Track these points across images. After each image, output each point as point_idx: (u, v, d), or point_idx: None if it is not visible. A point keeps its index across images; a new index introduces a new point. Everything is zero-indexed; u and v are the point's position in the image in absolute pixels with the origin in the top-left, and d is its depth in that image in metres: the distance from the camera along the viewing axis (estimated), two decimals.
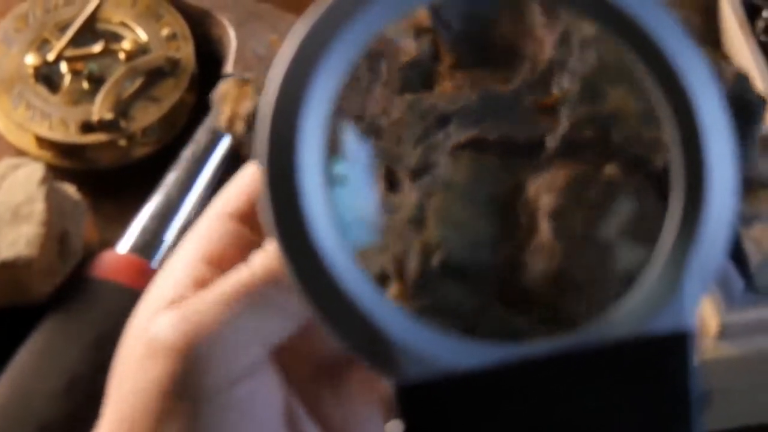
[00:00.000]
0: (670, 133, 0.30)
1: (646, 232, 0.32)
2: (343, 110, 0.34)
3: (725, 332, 0.49)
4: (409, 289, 0.35)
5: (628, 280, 0.30)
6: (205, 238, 0.33)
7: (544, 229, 0.34)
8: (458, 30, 0.36)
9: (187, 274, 0.33)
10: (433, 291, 0.36)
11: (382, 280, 0.33)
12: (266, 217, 0.28)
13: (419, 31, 0.36)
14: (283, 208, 0.28)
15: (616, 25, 0.30)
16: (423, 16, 0.36)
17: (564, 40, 0.34)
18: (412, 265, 0.34)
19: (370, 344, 0.28)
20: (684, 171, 0.30)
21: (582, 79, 0.34)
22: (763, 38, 0.58)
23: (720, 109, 0.30)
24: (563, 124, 0.34)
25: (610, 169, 0.35)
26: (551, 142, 0.34)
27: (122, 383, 0.33)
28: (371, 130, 0.34)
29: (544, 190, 0.34)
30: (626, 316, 0.29)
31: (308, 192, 0.28)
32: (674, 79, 0.30)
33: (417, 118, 0.34)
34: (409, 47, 0.35)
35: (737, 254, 0.51)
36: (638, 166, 0.34)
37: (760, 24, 0.59)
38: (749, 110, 0.38)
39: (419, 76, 0.35)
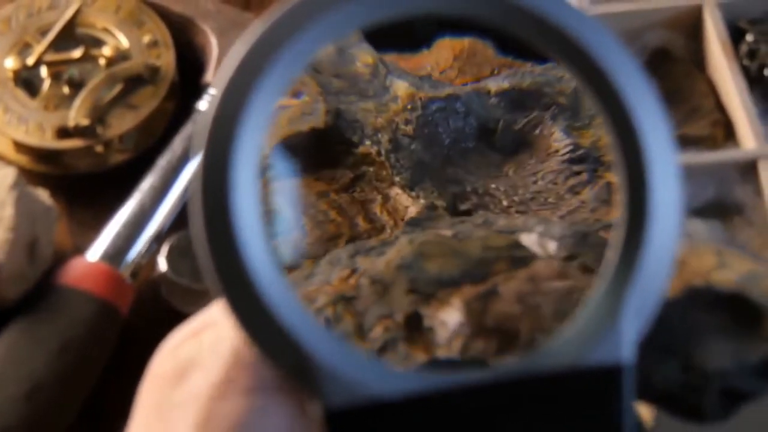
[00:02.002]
0: (616, 162, 0.30)
1: None
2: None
3: None
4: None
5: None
6: None
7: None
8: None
9: None
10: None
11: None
12: (198, 234, 0.27)
13: None
14: (216, 229, 0.28)
15: (577, 62, 0.29)
16: None
17: None
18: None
19: (298, 368, 0.28)
20: (627, 204, 0.29)
21: None
22: (745, 62, 0.58)
23: (668, 146, 0.29)
24: None
25: None
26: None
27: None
28: None
29: None
30: (562, 347, 0.29)
31: (241, 213, 0.28)
32: (626, 122, 0.29)
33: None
34: None
35: None
36: None
37: (744, 48, 0.58)
38: (755, 312, 0.37)
39: None
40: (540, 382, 0.28)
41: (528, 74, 0.44)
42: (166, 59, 0.63)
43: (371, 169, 0.39)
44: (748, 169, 0.53)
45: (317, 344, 0.28)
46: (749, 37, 0.58)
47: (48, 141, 0.60)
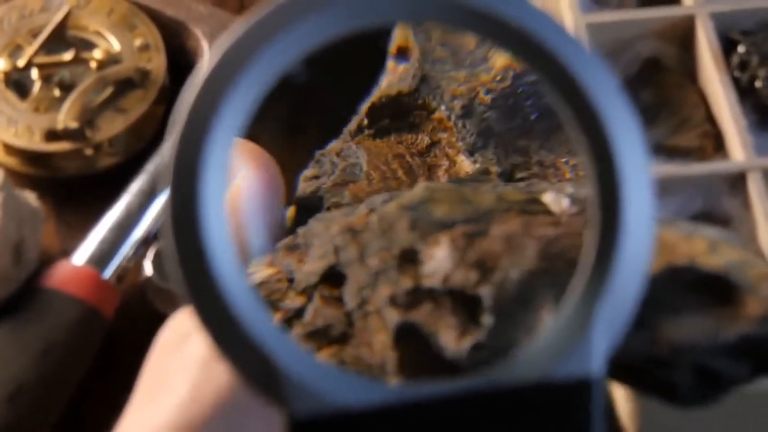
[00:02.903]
0: (588, 174, 0.29)
1: None
2: None
3: None
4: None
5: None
6: None
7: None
8: None
9: None
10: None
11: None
12: (167, 243, 0.27)
13: None
14: (184, 237, 0.28)
15: (549, 72, 0.29)
16: None
17: None
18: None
19: (264, 377, 0.27)
20: (600, 216, 0.29)
21: None
22: (736, 73, 0.57)
23: (642, 159, 0.29)
24: None
25: None
26: None
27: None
28: None
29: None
30: (532, 360, 0.29)
31: (209, 223, 0.27)
32: (600, 137, 0.29)
33: None
34: None
35: None
36: None
37: (735, 59, 0.58)
38: (736, 294, 0.36)
39: None
40: (509, 395, 0.28)
41: None
42: (157, 63, 0.63)
43: (445, 135, 0.40)
44: (737, 181, 0.53)
45: (284, 354, 0.27)
46: (740, 49, 0.58)
47: (37, 143, 0.60)
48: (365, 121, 0.42)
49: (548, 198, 0.35)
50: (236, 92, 0.28)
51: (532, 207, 0.35)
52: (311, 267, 0.35)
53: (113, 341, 0.56)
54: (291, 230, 0.38)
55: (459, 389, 0.28)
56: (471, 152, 0.39)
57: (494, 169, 0.39)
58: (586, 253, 0.29)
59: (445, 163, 0.40)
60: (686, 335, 0.36)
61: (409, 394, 0.28)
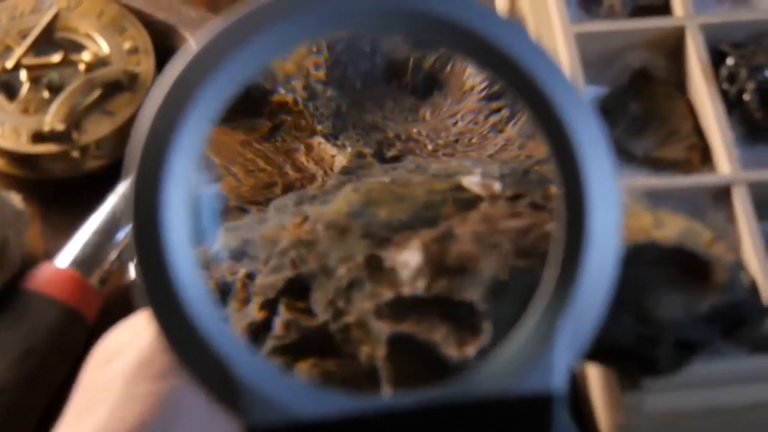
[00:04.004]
0: (557, 186, 0.29)
1: None
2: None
3: None
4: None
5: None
6: None
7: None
8: None
9: None
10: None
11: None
12: (132, 255, 0.28)
13: None
14: (146, 248, 0.28)
15: (516, 82, 0.29)
16: None
17: None
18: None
19: (221, 385, 0.27)
20: (565, 231, 0.29)
21: None
22: (725, 86, 0.57)
23: (609, 173, 0.29)
24: None
25: None
26: None
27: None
28: None
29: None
30: (493, 374, 0.28)
31: (171, 237, 0.28)
32: (566, 141, 0.29)
33: None
34: None
35: None
36: None
37: (724, 72, 0.57)
38: (742, 311, 0.37)
39: None
40: (469, 409, 0.28)
41: None
42: (146, 66, 0.62)
43: (289, 118, 0.39)
44: (722, 194, 0.53)
45: (242, 364, 0.27)
46: (729, 61, 0.57)
47: (23, 145, 0.60)
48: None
49: (468, 182, 0.35)
50: (195, 110, 0.28)
51: (462, 195, 0.35)
52: (267, 281, 0.35)
53: (95, 344, 0.56)
54: None
55: (419, 402, 0.28)
56: (335, 136, 0.39)
57: (366, 150, 0.39)
58: (550, 266, 0.29)
59: (300, 146, 0.39)
60: (669, 313, 0.37)
61: (367, 407, 0.27)
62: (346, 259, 0.34)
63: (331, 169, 0.37)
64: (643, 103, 0.59)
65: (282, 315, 0.34)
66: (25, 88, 0.62)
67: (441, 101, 0.41)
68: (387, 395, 0.28)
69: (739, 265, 0.37)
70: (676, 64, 0.59)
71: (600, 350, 0.37)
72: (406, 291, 0.34)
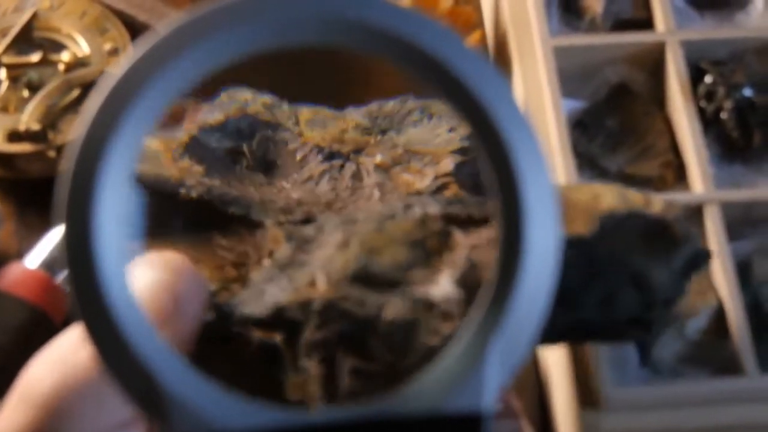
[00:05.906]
0: (496, 204, 0.29)
1: None
2: None
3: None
4: None
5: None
6: None
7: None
8: None
9: None
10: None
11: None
12: (64, 263, 0.28)
13: None
14: (77, 257, 0.28)
15: (458, 97, 0.29)
16: None
17: None
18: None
19: (147, 395, 0.27)
20: (502, 251, 0.28)
21: None
22: (702, 104, 0.57)
23: (548, 190, 0.29)
24: None
25: None
26: None
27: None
28: None
29: None
30: (423, 392, 0.28)
31: (99, 242, 0.28)
32: (502, 152, 0.28)
33: None
34: None
35: None
36: None
37: (702, 89, 0.57)
38: (672, 234, 0.38)
39: None
40: (398, 427, 0.28)
41: (229, 103, 0.43)
42: None
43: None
44: (694, 213, 0.53)
45: (168, 375, 0.27)
46: (708, 79, 0.57)
47: None
48: None
49: (433, 211, 0.36)
50: (130, 120, 0.27)
51: (429, 228, 0.35)
52: (315, 337, 0.34)
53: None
54: None
55: (347, 418, 0.27)
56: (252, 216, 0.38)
57: (287, 218, 0.39)
58: (486, 285, 0.28)
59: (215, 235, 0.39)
60: (658, 275, 0.37)
61: (295, 422, 0.27)
62: (388, 305, 0.34)
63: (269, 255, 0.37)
64: (620, 118, 0.58)
65: (345, 365, 0.33)
66: (4, 86, 0.62)
67: (289, 171, 0.41)
68: (316, 411, 0.28)
69: (682, 215, 0.38)
70: (655, 80, 0.59)
71: (610, 329, 0.38)
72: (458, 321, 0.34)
